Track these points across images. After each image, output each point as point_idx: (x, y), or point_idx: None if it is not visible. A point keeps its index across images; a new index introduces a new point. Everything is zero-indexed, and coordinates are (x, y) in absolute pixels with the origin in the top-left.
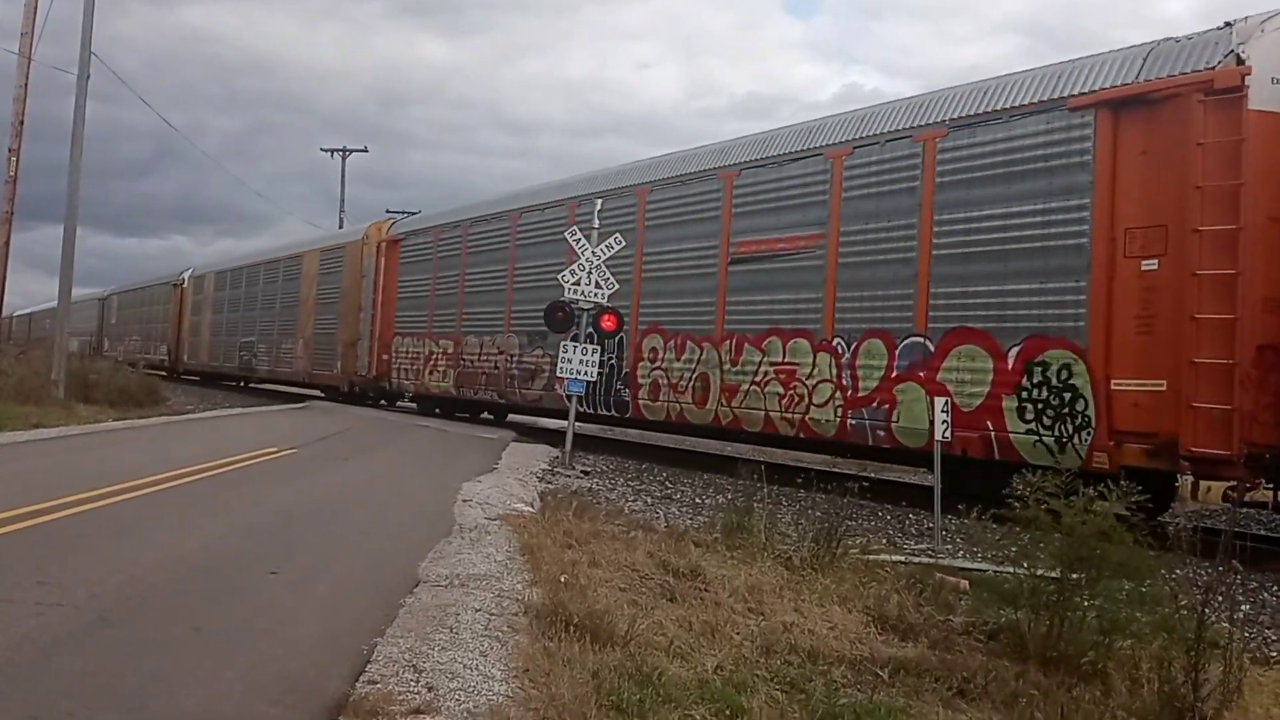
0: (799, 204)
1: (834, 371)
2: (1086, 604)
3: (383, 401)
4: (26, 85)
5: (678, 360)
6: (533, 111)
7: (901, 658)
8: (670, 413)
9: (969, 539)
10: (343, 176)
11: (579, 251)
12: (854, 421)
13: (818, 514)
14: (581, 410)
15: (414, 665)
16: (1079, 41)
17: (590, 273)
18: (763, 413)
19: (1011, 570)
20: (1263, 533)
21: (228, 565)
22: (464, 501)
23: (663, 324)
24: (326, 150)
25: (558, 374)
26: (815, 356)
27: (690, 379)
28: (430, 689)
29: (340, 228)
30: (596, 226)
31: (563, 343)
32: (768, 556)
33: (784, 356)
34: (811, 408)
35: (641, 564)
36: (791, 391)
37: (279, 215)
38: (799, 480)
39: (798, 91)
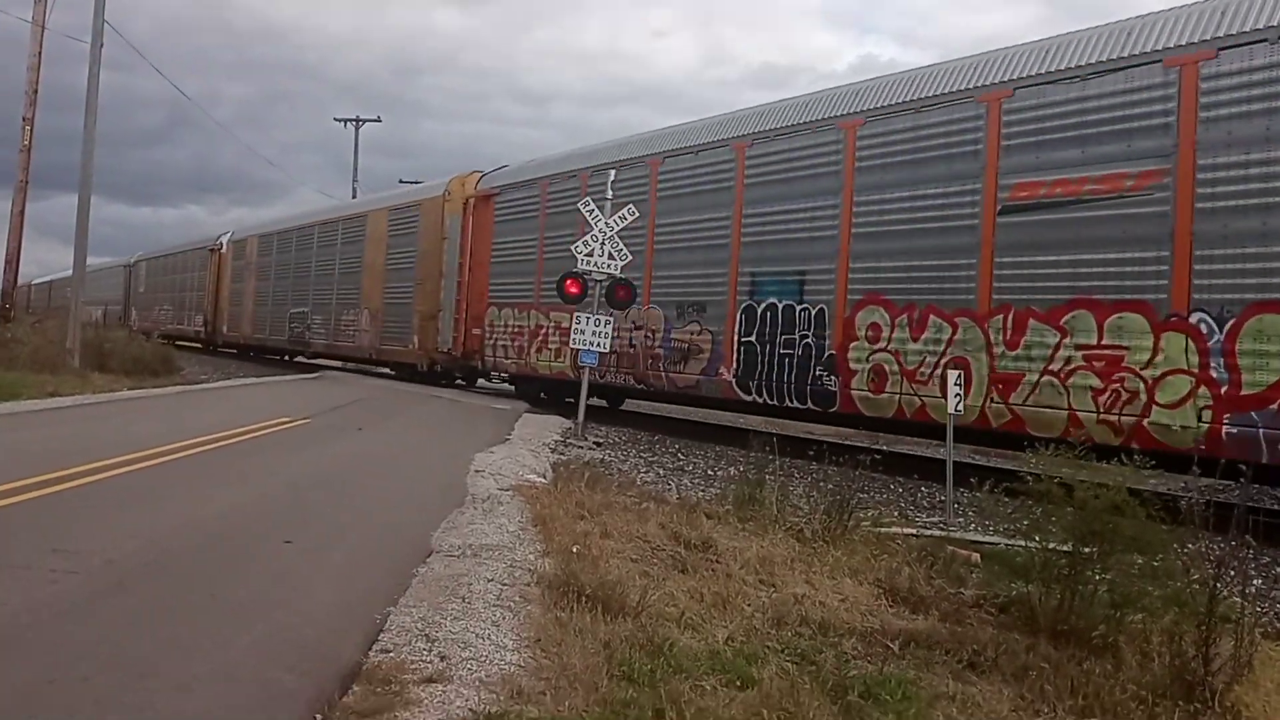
0: (1118, 130)
1: (1193, 359)
2: (1098, 578)
3: (460, 381)
4: (40, 53)
5: (914, 340)
6: (547, 81)
7: (912, 630)
8: (905, 407)
9: (981, 512)
10: (356, 147)
11: (590, 221)
12: (1234, 429)
13: (830, 486)
14: (766, 403)
15: (427, 634)
16: (1098, 11)
17: (603, 243)
18: (1065, 412)
19: (1023, 544)
20: (1276, 507)
21: (243, 533)
22: (476, 472)
23: (886, 293)
24: (340, 120)
25: (571, 345)
26: (1158, 338)
27: (936, 366)
28: (443, 658)
29: (354, 197)
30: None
31: (577, 314)
32: (779, 529)
33: (1100, 337)
34: (1154, 408)
35: (653, 535)
36: (1115, 385)
37: (292, 185)
38: (811, 453)
39: (814, 61)
